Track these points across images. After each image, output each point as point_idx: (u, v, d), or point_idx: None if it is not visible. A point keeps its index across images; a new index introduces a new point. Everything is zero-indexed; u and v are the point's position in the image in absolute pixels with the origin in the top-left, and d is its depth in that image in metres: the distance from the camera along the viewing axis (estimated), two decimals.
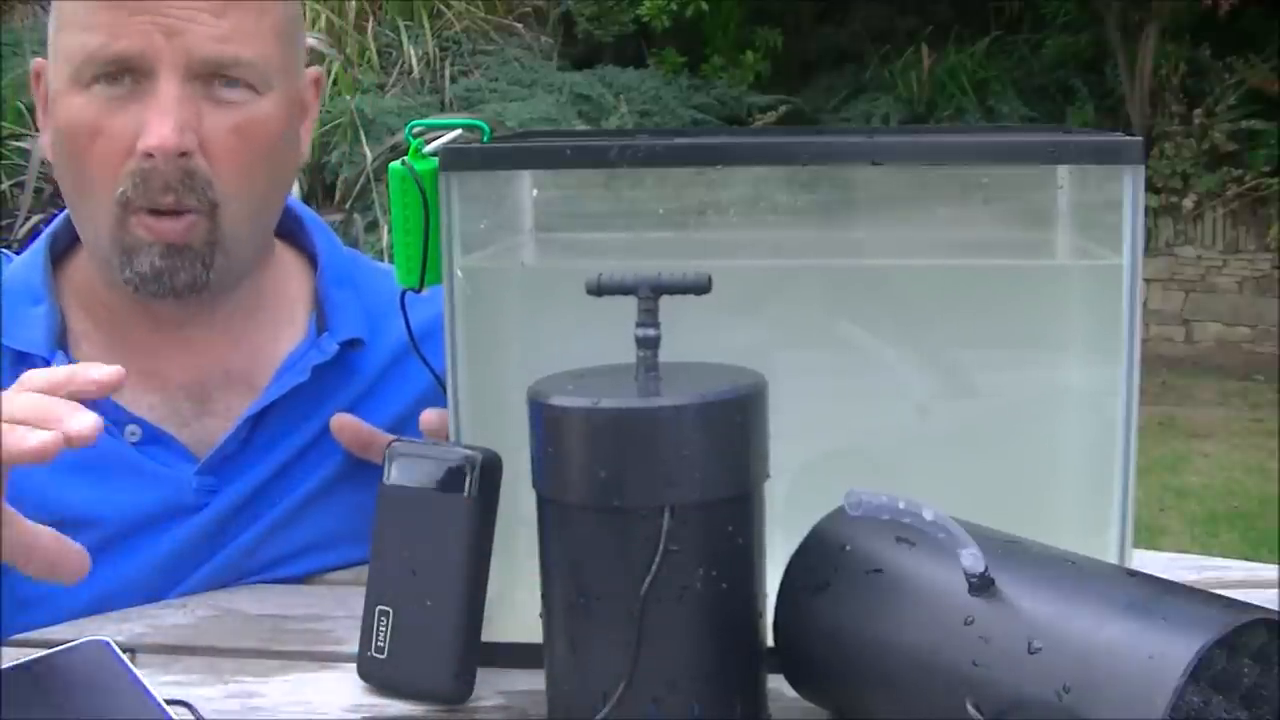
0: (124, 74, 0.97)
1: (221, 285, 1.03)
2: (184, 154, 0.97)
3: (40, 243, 1.09)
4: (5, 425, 0.75)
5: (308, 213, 1.17)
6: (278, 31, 1.02)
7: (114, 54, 0.96)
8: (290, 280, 1.12)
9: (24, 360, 1.03)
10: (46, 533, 0.81)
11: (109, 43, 0.96)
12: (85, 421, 0.76)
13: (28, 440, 0.74)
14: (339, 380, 1.09)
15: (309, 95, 1.08)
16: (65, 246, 1.10)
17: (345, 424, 1.05)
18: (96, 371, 0.80)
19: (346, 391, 1.09)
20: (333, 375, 1.08)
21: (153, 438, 1.04)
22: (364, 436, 1.04)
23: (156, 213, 0.98)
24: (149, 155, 0.96)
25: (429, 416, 0.96)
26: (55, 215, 1.13)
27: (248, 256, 1.05)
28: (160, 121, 0.96)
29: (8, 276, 1.08)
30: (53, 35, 1.01)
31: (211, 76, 0.98)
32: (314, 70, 1.09)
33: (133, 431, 1.04)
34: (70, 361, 1.04)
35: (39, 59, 1.05)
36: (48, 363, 1.03)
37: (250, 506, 1.06)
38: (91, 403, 1.03)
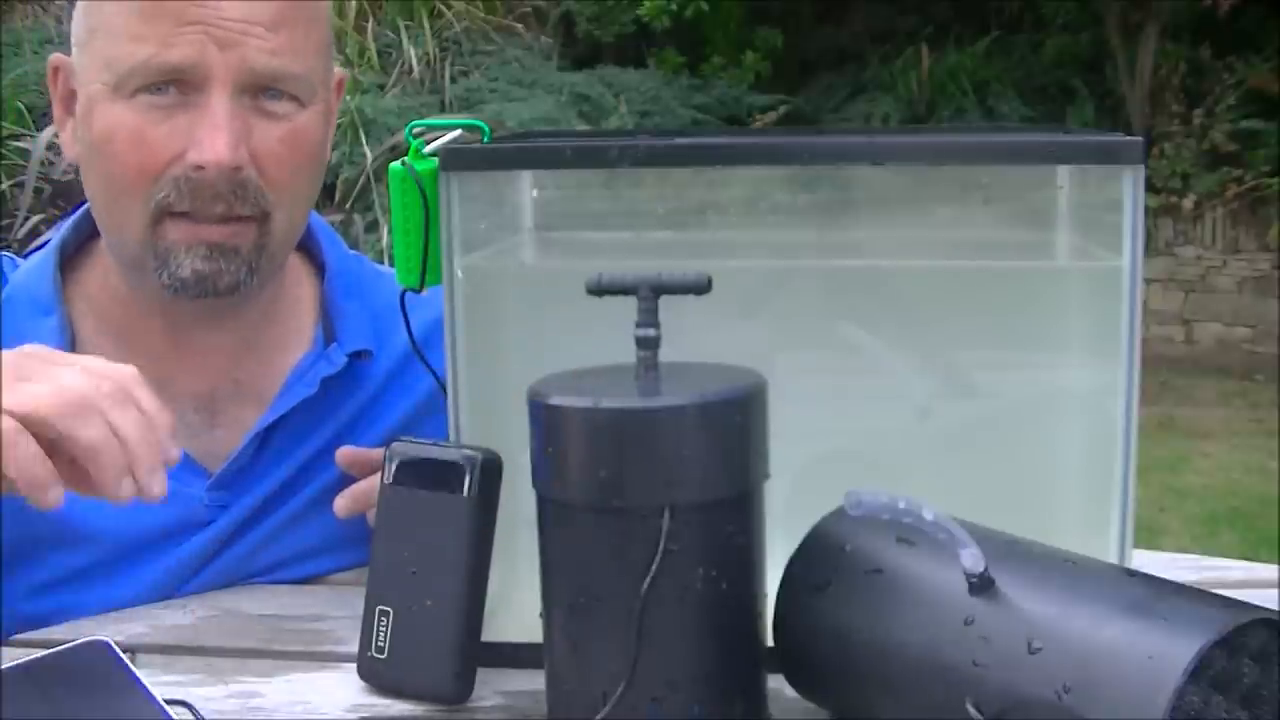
0: (170, 84, 0.96)
1: (259, 285, 1.03)
2: (236, 168, 0.96)
3: (49, 252, 1.08)
4: (108, 457, 0.78)
5: (314, 217, 1.17)
6: (322, 45, 1.02)
7: (166, 65, 0.95)
8: (298, 287, 1.12)
9: None
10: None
11: (160, 53, 0.94)
12: (161, 486, 0.80)
13: (122, 487, 0.79)
14: (346, 390, 1.08)
15: (334, 98, 1.08)
16: (74, 253, 1.09)
17: (351, 459, 1.04)
18: (172, 448, 0.82)
19: (354, 400, 1.09)
20: (340, 386, 1.08)
21: None
22: (361, 457, 1.04)
23: (198, 218, 0.97)
24: (199, 167, 0.96)
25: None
26: (57, 216, 1.12)
27: (284, 258, 1.06)
28: (214, 137, 0.95)
29: (15, 285, 1.08)
30: (83, 36, 0.99)
31: (261, 89, 0.97)
32: (340, 72, 1.08)
33: None
34: None
35: (57, 55, 1.04)
36: None
37: (258, 518, 1.06)
38: None
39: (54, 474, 0.77)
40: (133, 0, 0.95)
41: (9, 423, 0.76)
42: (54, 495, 0.77)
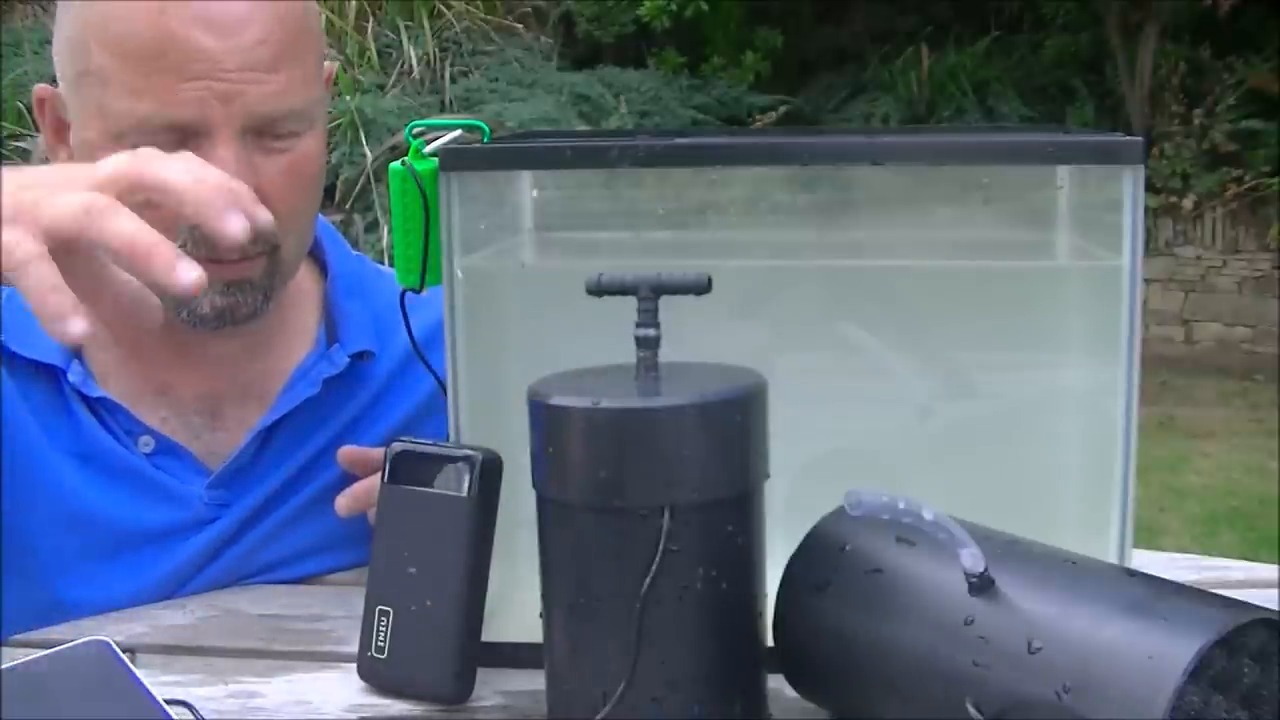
0: (172, 134, 0.93)
1: (274, 307, 1.03)
2: None
3: None
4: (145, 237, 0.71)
5: (318, 219, 1.17)
6: (319, 67, 1.01)
7: (168, 123, 0.92)
8: (302, 289, 1.12)
9: (38, 370, 1.03)
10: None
11: (161, 110, 0.92)
12: (238, 224, 0.73)
13: (186, 275, 0.70)
14: (348, 391, 1.09)
15: (326, 97, 1.07)
16: None
17: (352, 458, 1.04)
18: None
19: (355, 401, 1.09)
20: (342, 386, 1.08)
21: (165, 449, 1.05)
22: (362, 456, 1.04)
23: (215, 261, 0.96)
24: None
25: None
26: None
27: (295, 272, 1.06)
28: None
29: None
30: (70, 75, 0.96)
31: (264, 129, 0.96)
32: (329, 66, 1.06)
33: (146, 442, 1.04)
34: (86, 371, 1.03)
35: (42, 86, 1.01)
36: (64, 372, 1.03)
37: (259, 516, 1.06)
38: (108, 413, 1.03)
39: (75, 302, 0.69)
40: (125, 52, 0.92)
41: (24, 248, 0.69)
42: (76, 328, 0.69)
